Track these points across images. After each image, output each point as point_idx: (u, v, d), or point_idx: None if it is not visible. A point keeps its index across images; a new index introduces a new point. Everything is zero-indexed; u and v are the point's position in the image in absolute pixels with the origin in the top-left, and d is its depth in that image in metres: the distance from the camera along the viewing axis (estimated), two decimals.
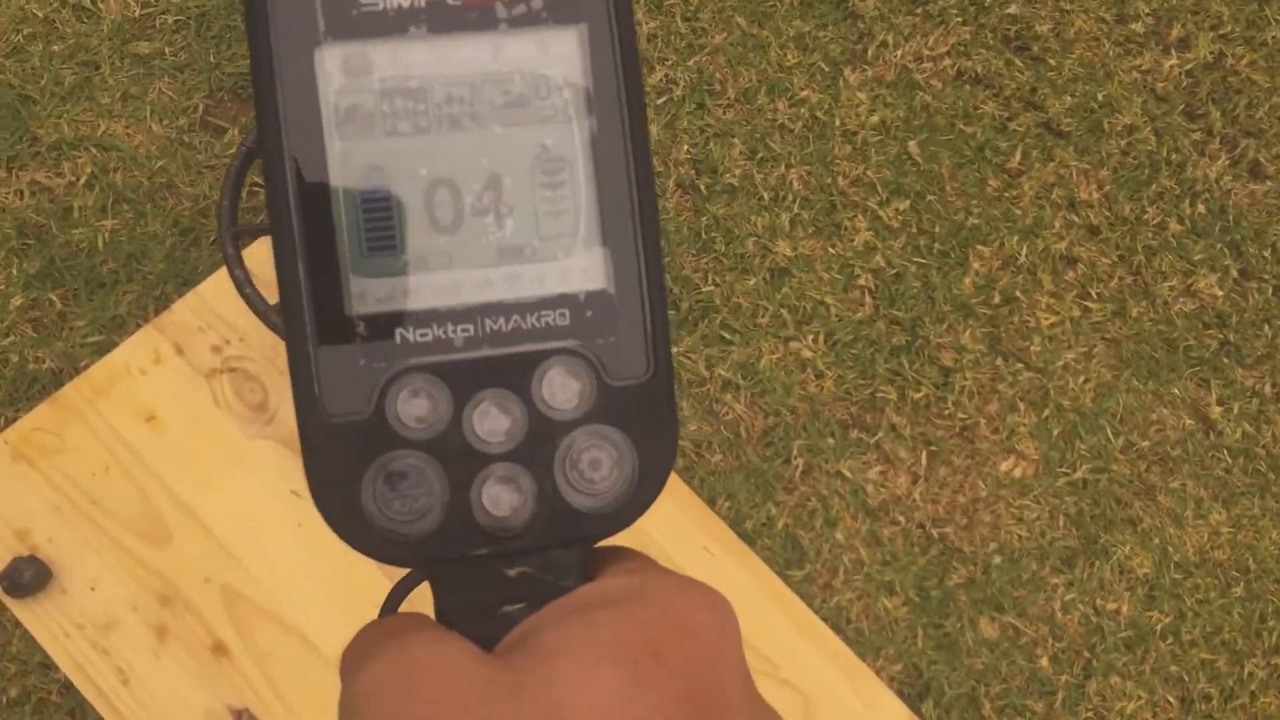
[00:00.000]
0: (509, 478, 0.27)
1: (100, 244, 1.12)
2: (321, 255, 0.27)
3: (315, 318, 0.26)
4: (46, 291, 1.11)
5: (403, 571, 0.27)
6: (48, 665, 0.99)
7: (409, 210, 0.27)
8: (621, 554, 0.29)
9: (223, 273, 1.13)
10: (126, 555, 1.02)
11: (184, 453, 1.05)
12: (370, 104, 0.27)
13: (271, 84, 0.26)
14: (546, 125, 0.28)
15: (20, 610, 1.00)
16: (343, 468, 0.26)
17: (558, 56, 0.28)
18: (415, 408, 0.26)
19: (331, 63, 0.27)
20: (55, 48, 1.17)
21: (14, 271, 1.11)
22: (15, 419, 1.05)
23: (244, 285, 0.97)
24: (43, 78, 1.16)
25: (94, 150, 1.16)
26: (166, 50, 1.18)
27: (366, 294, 0.27)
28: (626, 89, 0.28)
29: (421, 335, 0.27)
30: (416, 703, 0.24)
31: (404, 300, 0.27)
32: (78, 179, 1.14)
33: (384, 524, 0.26)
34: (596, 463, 0.27)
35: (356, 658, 0.26)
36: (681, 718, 0.23)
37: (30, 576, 0.98)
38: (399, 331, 0.27)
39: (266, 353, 1.09)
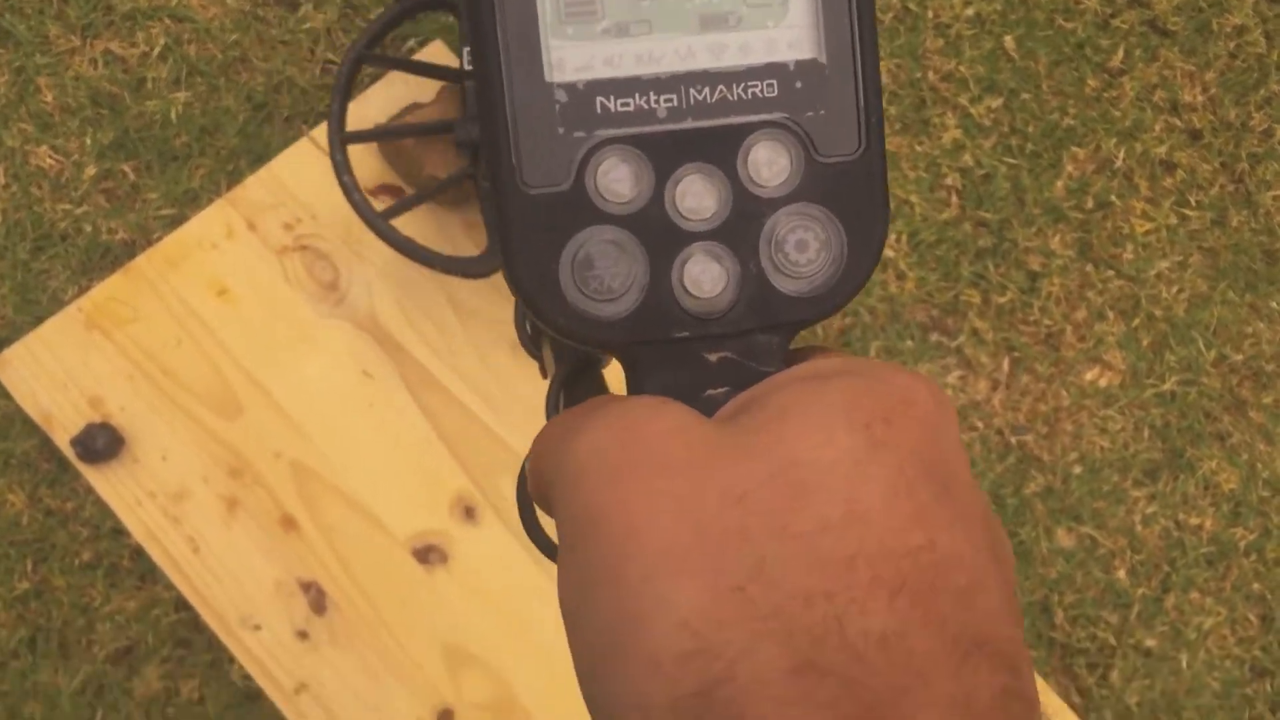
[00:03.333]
0: (712, 257, 0.26)
1: (173, 116, 1.11)
2: (519, 20, 0.25)
3: (513, 85, 0.25)
4: (120, 162, 1.10)
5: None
6: (119, 531, 1.00)
7: None
8: (822, 348, 0.28)
9: (295, 149, 1.11)
10: (198, 427, 1.02)
11: (255, 328, 1.05)
12: None
13: None
14: None
15: (93, 476, 1.00)
16: (540, 243, 0.25)
17: None
18: (616, 180, 0.25)
19: None
20: None
21: (88, 141, 1.10)
22: (89, 288, 1.05)
23: (352, 191, 0.96)
24: None
25: (168, 21, 1.14)
26: None
27: (565, 61, 0.25)
28: None
29: (623, 105, 0.25)
30: (645, 461, 0.22)
31: (604, 68, 0.25)
32: (151, 50, 1.13)
33: (582, 303, 0.25)
34: (803, 244, 0.26)
35: (564, 430, 0.25)
36: (919, 480, 0.22)
37: (103, 443, 0.99)
38: (599, 100, 0.25)
39: (338, 231, 1.08)
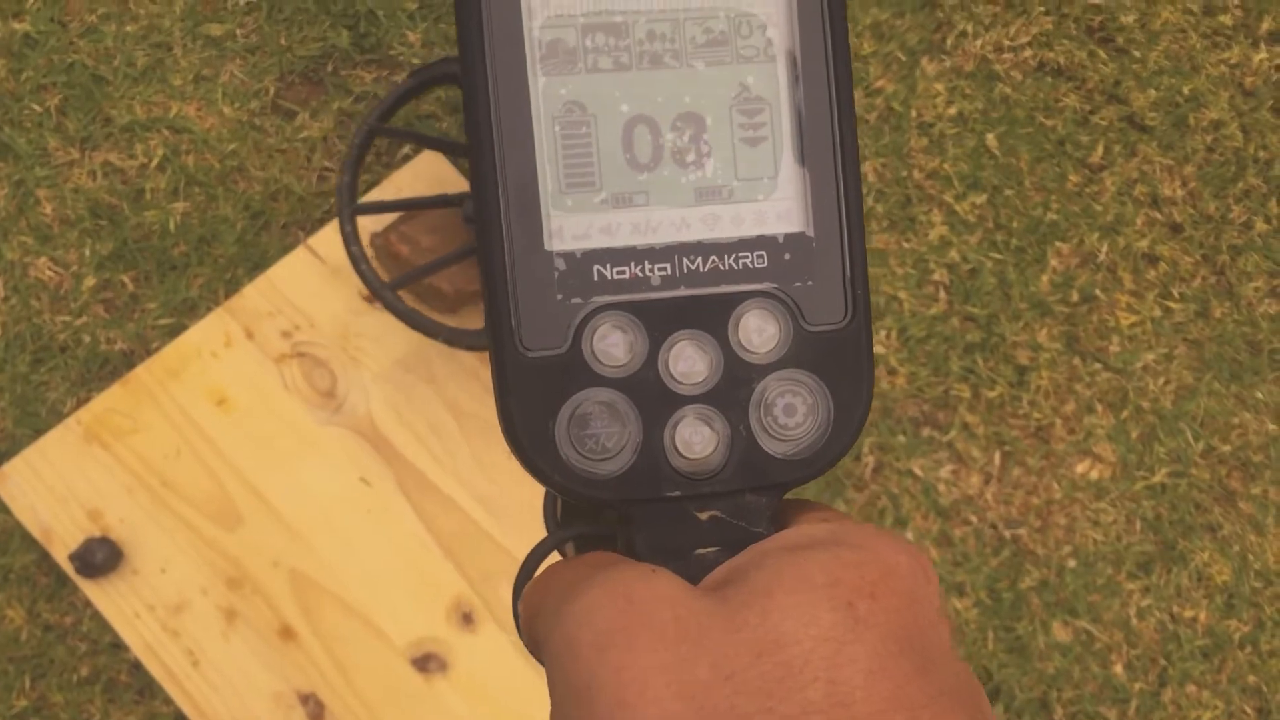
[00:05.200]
0: (703, 420, 0.27)
1: (172, 226, 1.12)
2: (520, 190, 0.26)
3: (513, 252, 0.26)
4: (118, 273, 1.11)
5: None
6: (118, 645, 1.00)
7: (608, 147, 0.27)
8: (809, 504, 0.29)
9: (292, 257, 1.12)
10: (197, 537, 1.02)
11: (254, 437, 1.05)
12: (572, 39, 0.27)
13: (477, 18, 0.26)
14: (748, 65, 0.27)
15: (92, 590, 1.00)
16: (538, 404, 0.26)
17: None
18: (612, 346, 0.26)
19: None
20: (128, 28, 1.17)
21: (87, 252, 1.11)
22: (88, 399, 1.05)
23: (360, 261, 0.97)
24: (116, 58, 1.16)
25: (166, 132, 1.16)
26: (238, 32, 1.18)
27: (565, 230, 0.27)
28: (832, 31, 0.27)
29: (619, 273, 0.27)
30: (639, 630, 0.23)
31: (602, 237, 0.27)
32: (150, 161, 1.14)
33: (577, 462, 0.26)
34: (791, 408, 0.27)
35: (560, 589, 0.25)
36: (899, 657, 0.23)
37: (102, 557, 0.99)
38: (596, 268, 0.27)
39: (335, 338, 1.09)
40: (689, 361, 0.27)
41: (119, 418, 1.05)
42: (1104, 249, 1.18)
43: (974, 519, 1.10)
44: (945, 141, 1.20)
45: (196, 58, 1.17)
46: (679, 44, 0.27)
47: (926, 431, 1.12)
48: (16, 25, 1.15)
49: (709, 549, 0.27)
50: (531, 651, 0.27)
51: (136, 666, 0.99)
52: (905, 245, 1.17)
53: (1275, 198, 1.21)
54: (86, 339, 1.09)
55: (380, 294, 0.98)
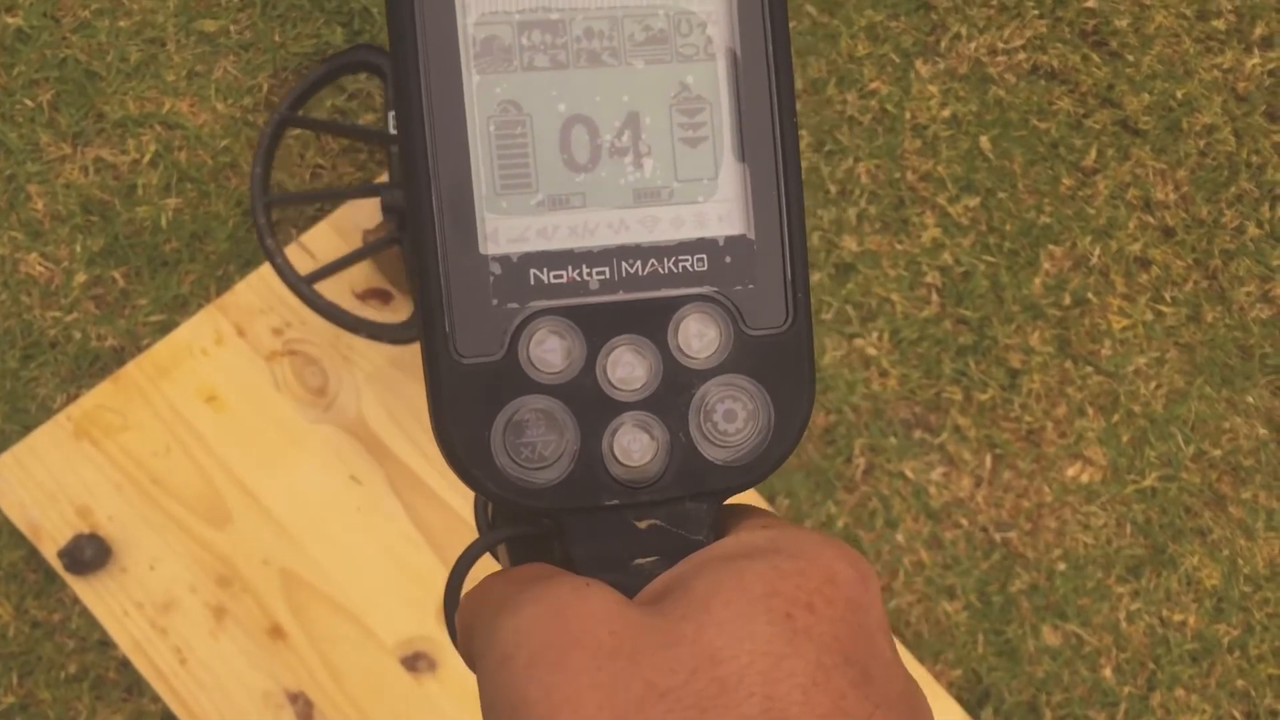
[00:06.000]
0: (642, 427, 0.26)
1: (164, 222, 1.12)
2: (454, 191, 0.26)
3: (447, 257, 0.26)
4: (109, 269, 1.11)
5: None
6: (106, 643, 0.99)
7: (545, 148, 0.26)
8: (750, 510, 0.28)
9: (284, 253, 1.12)
10: (186, 535, 1.02)
11: (244, 434, 1.05)
12: (508, 36, 0.26)
13: (410, 13, 0.25)
14: (688, 63, 0.27)
15: (80, 587, 1.00)
16: (472, 411, 0.26)
17: None
18: (548, 351, 0.26)
19: None
20: (121, 23, 1.16)
21: (78, 248, 1.11)
22: (78, 395, 1.05)
23: (274, 255, 0.97)
24: (109, 54, 1.16)
25: (158, 128, 1.15)
26: (231, 28, 1.18)
27: (500, 233, 0.26)
28: (772, 29, 0.27)
29: (555, 277, 0.26)
30: (572, 648, 0.23)
31: (538, 240, 0.26)
32: (142, 157, 1.14)
33: (513, 469, 0.26)
34: (731, 414, 0.27)
35: (493, 603, 0.25)
36: (837, 670, 0.23)
37: (91, 554, 0.99)
38: (533, 272, 0.26)
39: (327, 336, 1.09)
40: (628, 367, 0.26)
41: (109, 414, 1.04)
42: (1096, 252, 1.18)
43: (965, 522, 1.10)
44: (939, 144, 1.20)
45: (190, 54, 1.17)
46: (618, 42, 0.26)
47: (918, 434, 1.13)
48: (9, 20, 1.15)
49: (648, 559, 0.26)
50: (468, 664, 0.27)
51: (124, 664, 0.99)
52: (898, 247, 1.17)
53: (1268, 203, 1.21)
54: (77, 335, 1.08)
55: (296, 288, 0.97)
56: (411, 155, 0.26)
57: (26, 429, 1.03)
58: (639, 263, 0.27)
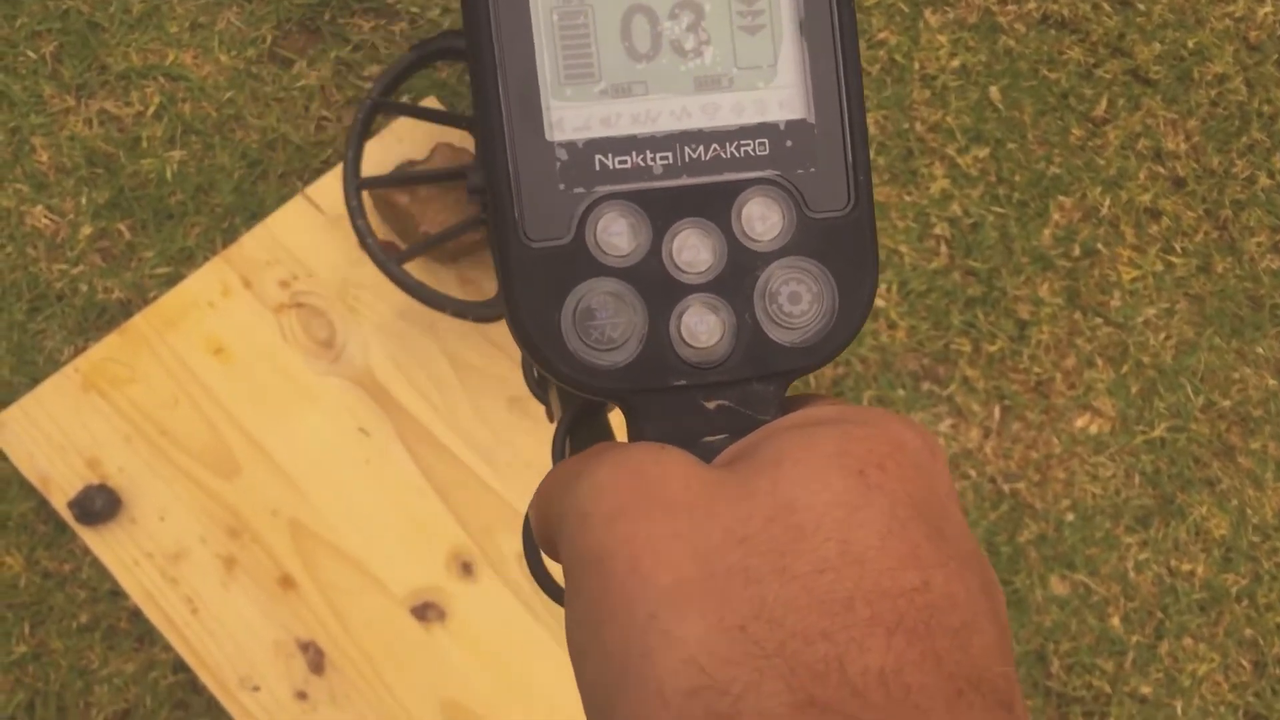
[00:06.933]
0: (708, 308, 0.27)
1: (169, 175, 1.11)
2: (520, 82, 0.26)
3: (514, 144, 0.26)
4: (115, 221, 1.10)
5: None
6: (117, 593, 1.00)
7: (606, 37, 0.27)
8: (817, 395, 0.29)
9: (290, 207, 1.12)
10: (195, 486, 1.02)
11: (252, 386, 1.05)
12: None
13: None
14: None
15: (91, 538, 1.00)
16: (543, 295, 0.26)
17: None
18: (615, 235, 0.26)
19: None
20: None
21: (83, 201, 1.10)
22: (85, 348, 1.05)
23: (365, 236, 0.97)
24: (111, 5, 1.15)
25: (162, 80, 1.14)
26: None
27: (565, 120, 0.27)
28: None
29: (620, 162, 0.27)
30: (648, 502, 0.23)
31: (602, 127, 0.27)
32: (146, 109, 1.13)
33: (583, 352, 0.26)
34: (796, 296, 0.27)
35: (569, 476, 0.25)
36: (912, 522, 0.23)
37: (101, 505, 0.99)
38: (598, 158, 0.27)
39: (334, 288, 1.08)
40: (693, 250, 0.27)
41: (117, 367, 1.04)
42: (1106, 203, 1.17)
43: (973, 473, 1.10)
44: (948, 94, 1.19)
45: (193, 5, 1.16)
46: None
47: (926, 385, 1.12)
48: None
49: (717, 436, 0.27)
50: (544, 548, 0.27)
51: (136, 614, 1.00)
52: (907, 199, 1.16)
53: (1279, 152, 1.20)
54: (84, 288, 1.08)
55: (387, 269, 0.97)
56: (478, 47, 0.26)
57: (34, 381, 1.03)
58: (701, 148, 0.27)
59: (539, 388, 0.42)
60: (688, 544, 0.22)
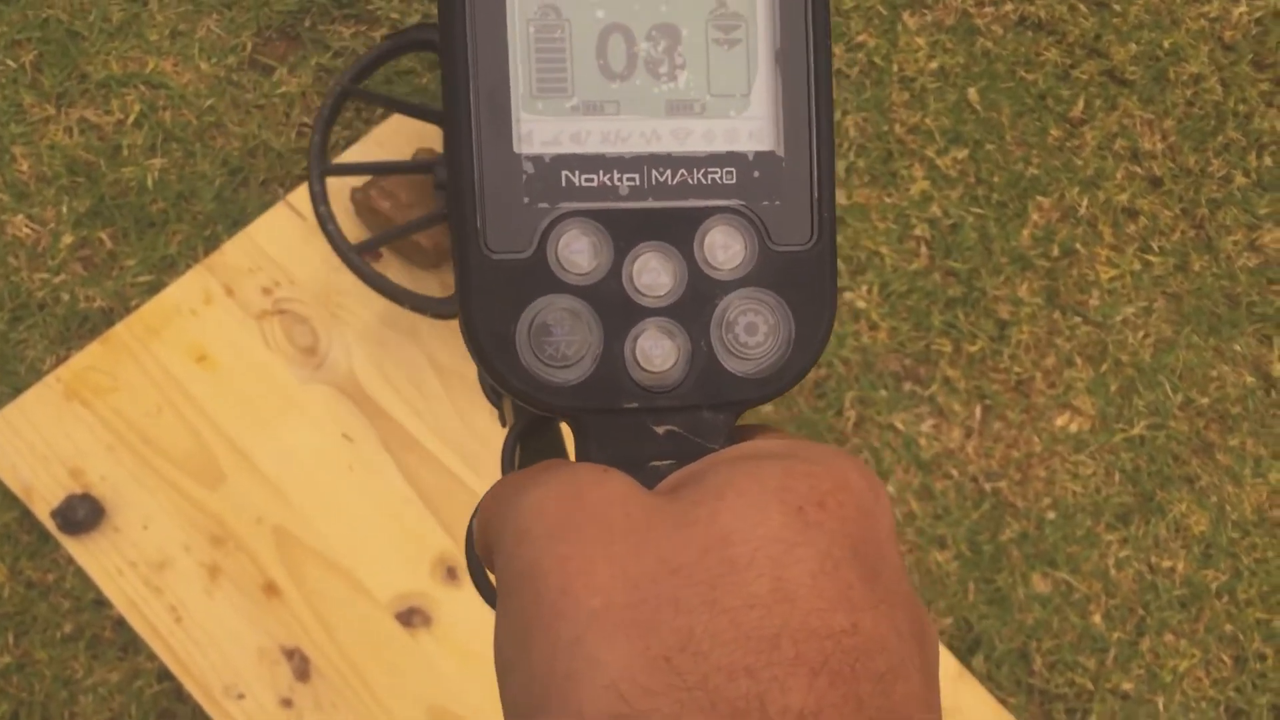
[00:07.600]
0: (664, 333, 0.27)
1: (149, 183, 1.11)
2: (492, 91, 0.26)
3: (482, 153, 0.26)
4: (96, 230, 1.10)
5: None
6: (101, 602, 1.00)
7: (582, 53, 0.27)
8: (766, 427, 0.29)
9: (272, 214, 1.12)
10: (179, 495, 1.02)
11: (235, 394, 1.05)
12: None
13: None
14: None
15: (74, 547, 1.00)
16: (499, 306, 0.26)
17: None
18: (576, 252, 0.26)
19: None
20: None
21: (64, 209, 1.10)
22: (67, 357, 1.05)
23: (327, 222, 0.97)
24: (91, 13, 1.15)
25: (142, 88, 1.14)
26: None
27: (534, 134, 0.26)
28: None
29: (587, 180, 0.27)
30: (585, 524, 0.23)
31: (571, 143, 0.27)
32: (126, 117, 1.13)
33: (536, 368, 0.26)
34: (753, 327, 0.27)
35: (511, 491, 0.25)
36: (846, 562, 0.23)
37: (84, 514, 0.99)
38: (564, 174, 0.26)
39: (317, 294, 1.09)
40: (653, 273, 0.27)
41: (99, 375, 1.04)
42: (1084, 203, 1.18)
43: (955, 472, 1.11)
44: (926, 96, 1.20)
45: (173, 12, 1.16)
46: None
47: (908, 386, 1.13)
48: None
49: (664, 461, 0.27)
50: (483, 559, 0.27)
51: (120, 623, 0.99)
52: (886, 200, 1.17)
53: (1254, 151, 1.21)
54: (65, 297, 1.08)
55: (346, 257, 0.98)
56: (451, 53, 0.26)
57: (16, 391, 1.03)
58: (669, 172, 0.27)
59: (493, 394, 0.42)
60: (621, 569, 0.22)
